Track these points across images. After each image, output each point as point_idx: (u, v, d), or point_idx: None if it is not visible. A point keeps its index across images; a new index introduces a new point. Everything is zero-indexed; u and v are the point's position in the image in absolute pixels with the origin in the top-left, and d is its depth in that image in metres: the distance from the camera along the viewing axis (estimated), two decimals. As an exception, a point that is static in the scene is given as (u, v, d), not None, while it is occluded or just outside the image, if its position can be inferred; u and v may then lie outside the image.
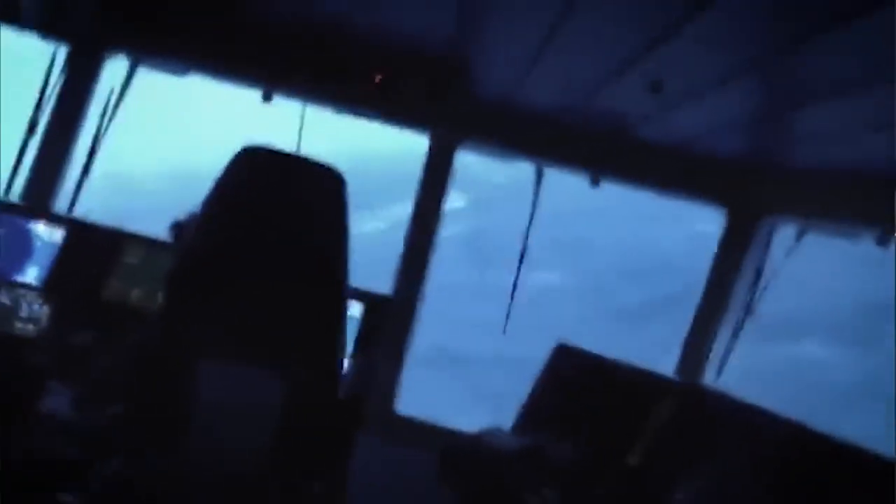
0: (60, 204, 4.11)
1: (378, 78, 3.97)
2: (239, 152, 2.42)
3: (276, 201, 2.42)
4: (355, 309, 3.85)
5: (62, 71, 4.07)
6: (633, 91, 3.44)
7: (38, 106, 4.00)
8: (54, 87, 4.03)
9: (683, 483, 3.43)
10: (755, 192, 4.27)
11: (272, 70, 4.14)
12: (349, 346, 3.79)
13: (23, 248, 3.72)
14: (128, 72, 4.20)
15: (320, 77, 4.09)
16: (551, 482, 3.28)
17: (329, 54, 4.00)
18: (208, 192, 2.40)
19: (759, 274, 4.32)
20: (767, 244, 4.34)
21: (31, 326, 3.39)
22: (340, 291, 2.48)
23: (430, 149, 4.36)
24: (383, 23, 3.58)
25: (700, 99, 3.40)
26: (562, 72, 3.54)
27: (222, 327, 2.40)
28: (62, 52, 4.08)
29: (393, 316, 4.24)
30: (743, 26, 2.56)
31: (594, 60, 3.26)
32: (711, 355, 4.30)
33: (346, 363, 3.71)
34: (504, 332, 4.38)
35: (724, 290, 4.31)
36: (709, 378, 4.27)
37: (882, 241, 3.89)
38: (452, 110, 4.22)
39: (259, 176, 2.43)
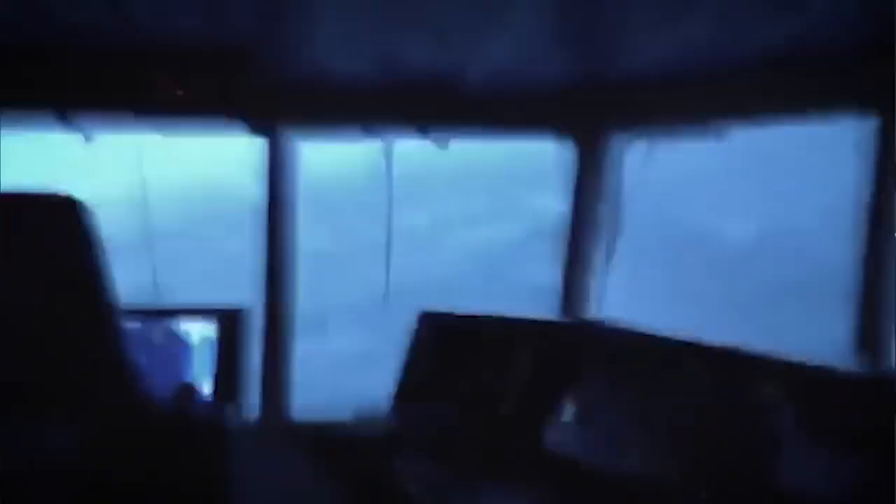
0: None
1: (169, 84, 3.81)
2: None
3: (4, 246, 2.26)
4: (207, 328, 3.76)
5: None
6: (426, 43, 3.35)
7: None
8: None
9: (560, 419, 3.39)
10: (592, 111, 4.19)
11: (73, 106, 3.98)
12: (209, 365, 3.71)
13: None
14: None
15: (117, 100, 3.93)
16: (432, 455, 3.21)
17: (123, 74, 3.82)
18: None
19: (617, 194, 4.26)
20: (620, 162, 4.28)
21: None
22: (102, 318, 2.31)
23: (265, 144, 4.23)
24: (165, 29, 3.41)
25: (487, 33, 3.30)
26: (345, 33, 3.42)
27: None
28: None
29: (267, 325, 4.16)
30: None
31: (357, 16, 3.15)
32: (590, 287, 4.26)
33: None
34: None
35: (587, 217, 4.25)
36: (593, 310, 4.23)
37: (719, 134, 3.87)
38: (262, 99, 4.09)
39: None
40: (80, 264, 2.25)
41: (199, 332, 3.74)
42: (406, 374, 3.67)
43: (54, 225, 2.25)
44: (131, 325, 3.71)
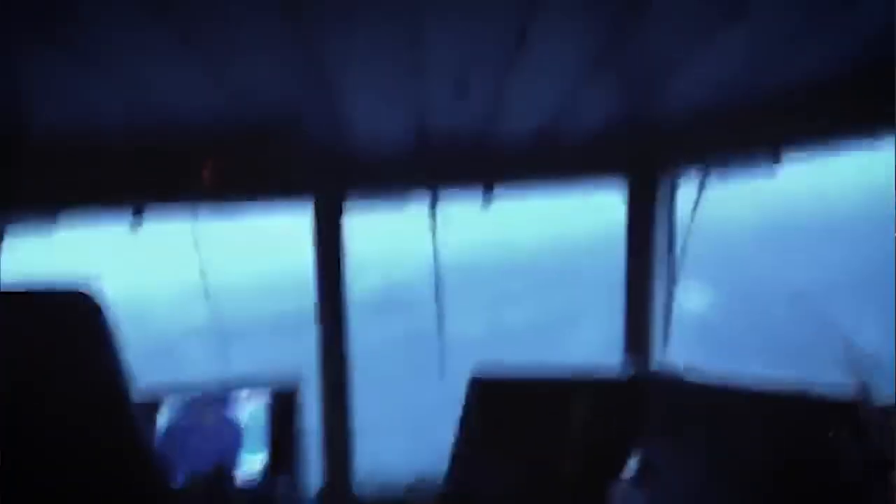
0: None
1: (207, 168, 3.87)
2: None
3: (18, 347, 2.25)
4: (260, 402, 3.75)
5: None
6: (450, 100, 3.31)
7: None
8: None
9: (625, 478, 3.22)
10: (642, 151, 4.07)
11: (127, 196, 4.08)
12: (262, 445, 3.68)
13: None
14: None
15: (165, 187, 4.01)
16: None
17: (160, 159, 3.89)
18: None
19: (672, 234, 4.11)
20: (672, 200, 4.14)
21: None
22: (122, 414, 2.28)
23: (314, 215, 4.25)
24: (204, 109, 3.45)
25: (524, 91, 3.24)
26: (380, 102, 3.40)
27: None
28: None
29: (326, 394, 4.14)
30: None
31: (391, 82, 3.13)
32: (654, 331, 4.08)
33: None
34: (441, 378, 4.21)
35: (644, 259, 4.10)
36: (658, 355, 4.05)
37: (775, 160, 3.69)
38: (307, 169, 4.11)
39: None
40: (96, 359, 2.24)
41: (253, 407, 3.73)
42: (460, 440, 3.56)
43: (67, 319, 2.23)
44: (182, 406, 3.74)
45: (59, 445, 2.20)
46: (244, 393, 3.76)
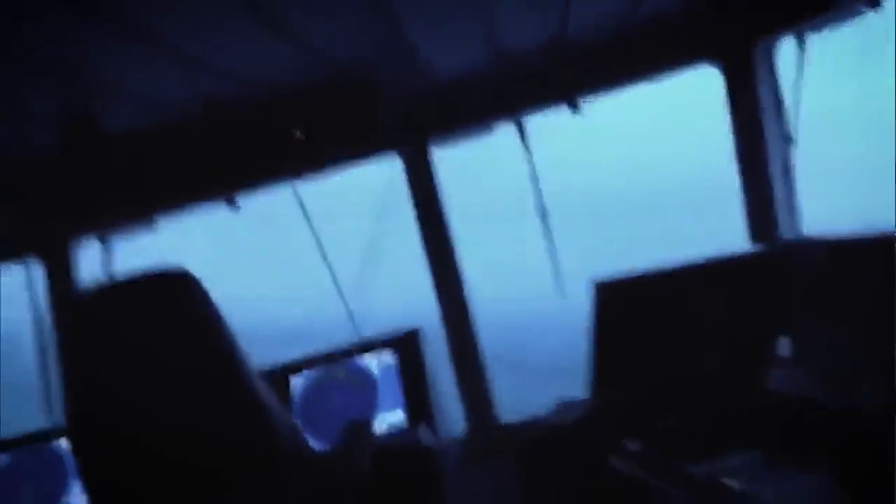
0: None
1: (297, 134, 3.82)
2: (68, 302, 2.30)
3: (129, 334, 2.24)
4: (386, 357, 3.70)
5: (48, 287, 4.16)
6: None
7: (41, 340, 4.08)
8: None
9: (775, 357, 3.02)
10: (732, 20, 3.79)
11: (224, 179, 4.08)
12: (396, 397, 3.64)
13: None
14: (103, 257, 4.27)
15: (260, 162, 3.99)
16: (632, 430, 2.96)
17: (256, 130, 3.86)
18: (59, 351, 2.27)
19: (779, 100, 3.83)
20: (772, 65, 3.85)
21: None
22: (240, 382, 2.26)
23: (405, 161, 4.16)
24: (283, 75, 3.39)
25: None
26: (452, 34, 3.28)
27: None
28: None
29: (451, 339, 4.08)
30: None
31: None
32: (778, 207, 3.83)
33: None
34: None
35: (753, 132, 3.84)
36: (788, 231, 3.80)
37: (873, 2, 3.36)
38: (398, 117, 4.01)
39: (98, 316, 2.28)
40: (202, 329, 2.24)
41: (381, 361, 3.70)
42: (595, 350, 3.42)
43: (174, 300, 2.25)
44: (315, 369, 3.73)
45: (178, 407, 2.21)
46: (371, 349, 3.73)
